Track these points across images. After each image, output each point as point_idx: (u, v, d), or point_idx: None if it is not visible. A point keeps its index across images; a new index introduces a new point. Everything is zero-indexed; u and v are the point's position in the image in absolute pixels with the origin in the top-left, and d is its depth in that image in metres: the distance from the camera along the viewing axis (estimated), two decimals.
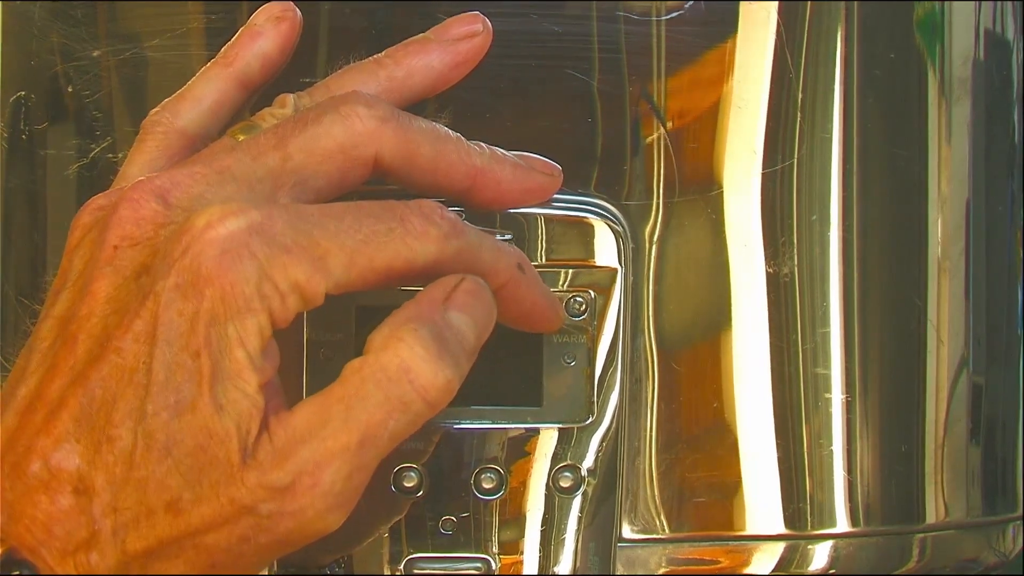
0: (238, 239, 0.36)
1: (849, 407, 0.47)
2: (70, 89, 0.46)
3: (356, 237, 0.37)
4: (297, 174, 0.39)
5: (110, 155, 0.46)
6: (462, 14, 0.44)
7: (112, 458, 0.36)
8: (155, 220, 0.38)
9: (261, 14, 0.44)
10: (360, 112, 0.39)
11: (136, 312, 0.36)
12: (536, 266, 0.44)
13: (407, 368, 0.36)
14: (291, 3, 0.44)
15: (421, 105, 0.44)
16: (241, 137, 0.41)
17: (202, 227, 0.36)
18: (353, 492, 0.37)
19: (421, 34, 0.44)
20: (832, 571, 0.47)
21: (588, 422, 0.45)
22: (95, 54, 0.46)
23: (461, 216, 0.43)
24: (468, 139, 0.42)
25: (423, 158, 0.40)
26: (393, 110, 0.40)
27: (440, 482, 0.44)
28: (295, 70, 0.45)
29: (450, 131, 0.41)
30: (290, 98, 0.42)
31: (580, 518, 0.45)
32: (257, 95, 0.44)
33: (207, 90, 0.43)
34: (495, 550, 0.45)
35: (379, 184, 0.41)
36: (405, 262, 0.38)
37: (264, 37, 0.43)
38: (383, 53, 0.43)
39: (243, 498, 0.36)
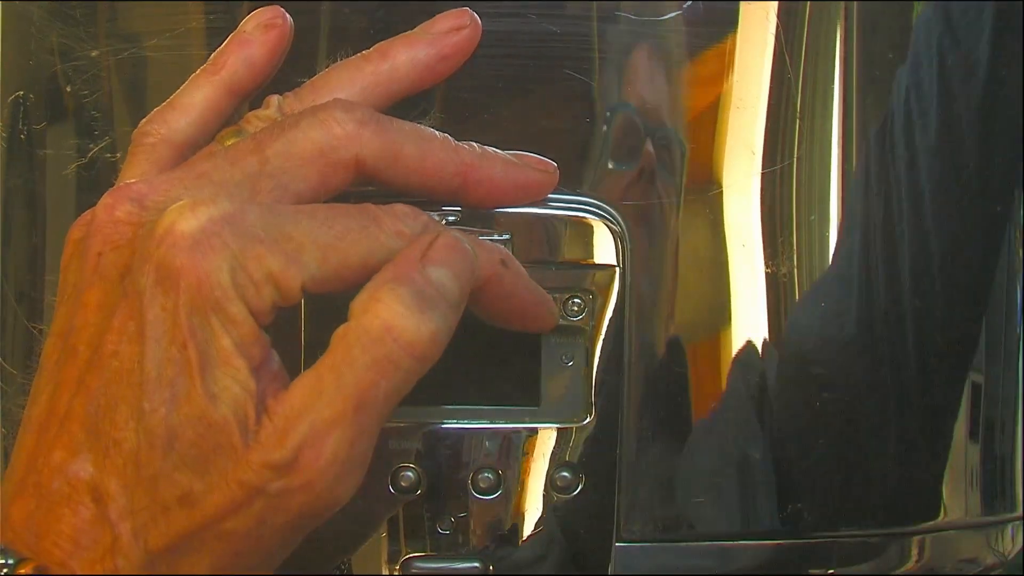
0: (209, 230, 0.36)
1: (848, 407, 0.47)
2: (69, 89, 0.46)
3: (330, 233, 0.37)
4: (275, 178, 0.39)
5: (108, 155, 0.46)
6: (451, 10, 0.44)
7: (121, 461, 0.36)
8: (131, 221, 0.38)
9: (250, 21, 0.44)
10: (338, 116, 0.39)
11: (124, 313, 0.37)
12: (534, 265, 0.44)
13: (389, 327, 0.36)
14: (281, 10, 0.44)
15: (414, 105, 0.44)
16: (229, 142, 0.41)
17: (174, 219, 0.36)
18: (359, 459, 0.37)
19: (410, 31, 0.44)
20: (830, 572, 0.47)
21: (586, 422, 0.45)
22: (94, 54, 0.46)
23: (459, 214, 0.43)
24: (466, 140, 0.42)
25: (408, 158, 0.40)
26: (373, 114, 0.40)
27: (438, 482, 0.44)
28: (290, 70, 0.45)
29: (436, 131, 0.41)
30: (275, 99, 0.42)
31: (578, 518, 0.45)
32: (247, 102, 0.44)
33: (196, 99, 0.43)
34: (493, 550, 0.45)
35: (366, 187, 0.41)
36: (379, 261, 0.38)
37: (253, 45, 0.43)
38: (371, 49, 0.43)
39: (251, 480, 0.36)
